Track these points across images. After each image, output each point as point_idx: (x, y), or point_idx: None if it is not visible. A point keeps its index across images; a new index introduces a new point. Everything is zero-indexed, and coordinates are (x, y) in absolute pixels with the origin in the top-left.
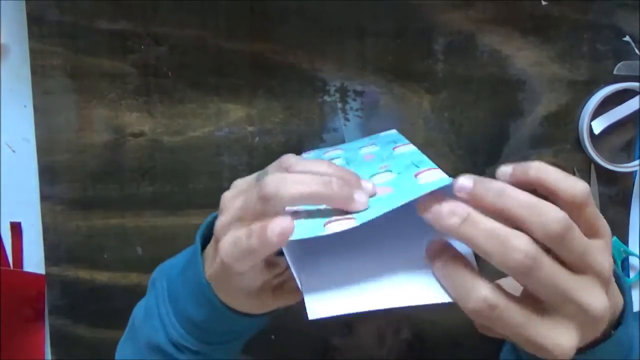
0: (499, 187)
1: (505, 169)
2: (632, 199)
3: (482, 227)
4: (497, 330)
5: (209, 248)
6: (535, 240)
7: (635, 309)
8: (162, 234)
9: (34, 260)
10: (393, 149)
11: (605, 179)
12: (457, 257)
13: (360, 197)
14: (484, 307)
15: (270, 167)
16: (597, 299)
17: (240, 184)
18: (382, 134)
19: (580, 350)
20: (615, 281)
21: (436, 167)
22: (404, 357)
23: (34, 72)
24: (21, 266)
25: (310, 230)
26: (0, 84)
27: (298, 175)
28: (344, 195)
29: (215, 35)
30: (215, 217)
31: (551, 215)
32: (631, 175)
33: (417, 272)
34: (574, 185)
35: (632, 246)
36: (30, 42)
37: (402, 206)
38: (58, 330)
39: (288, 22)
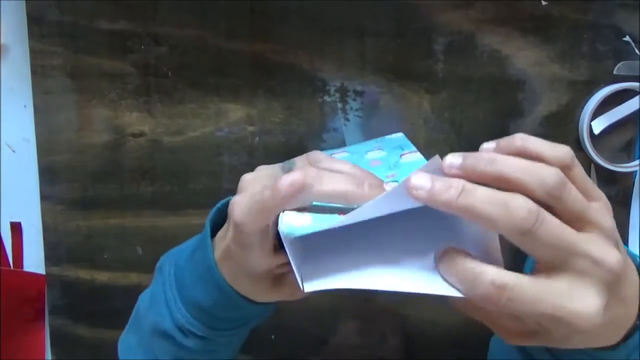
0: (489, 156)
1: (488, 145)
2: (632, 199)
3: (480, 195)
4: (516, 313)
5: (221, 232)
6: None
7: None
8: (162, 234)
9: (34, 260)
10: (400, 156)
11: (605, 179)
12: (458, 252)
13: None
14: (492, 291)
15: (298, 160)
16: (608, 251)
17: (263, 168)
18: (389, 137)
19: (615, 346)
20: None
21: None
22: (404, 356)
23: (34, 72)
24: (21, 266)
25: (325, 222)
26: (0, 83)
27: (333, 173)
28: (374, 196)
29: (215, 35)
30: (226, 203)
31: (546, 172)
32: (631, 175)
33: (419, 263)
34: (559, 149)
35: (632, 246)
36: (30, 42)
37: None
38: (58, 330)
39: (288, 22)
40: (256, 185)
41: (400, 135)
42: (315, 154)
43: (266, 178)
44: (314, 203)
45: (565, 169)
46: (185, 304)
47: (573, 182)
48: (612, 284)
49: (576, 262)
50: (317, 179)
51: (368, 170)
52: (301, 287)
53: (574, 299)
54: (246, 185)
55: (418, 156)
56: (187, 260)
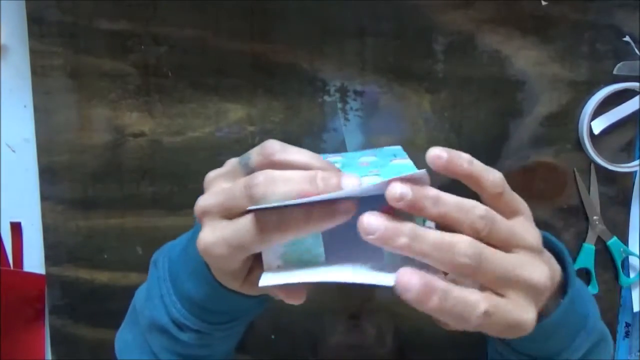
0: (434, 195)
1: (440, 154)
2: (632, 199)
3: (429, 241)
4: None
5: None
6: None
7: (636, 309)
8: (162, 234)
9: (34, 260)
10: (390, 161)
11: (605, 179)
12: (448, 287)
13: (347, 186)
14: (485, 319)
15: (253, 153)
16: (536, 270)
17: (228, 163)
18: (386, 147)
19: (538, 321)
20: (551, 249)
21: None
22: (403, 356)
23: (34, 72)
24: (21, 266)
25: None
26: (0, 84)
27: (285, 173)
28: (330, 189)
29: (215, 35)
30: None
31: (477, 212)
32: (631, 175)
33: (375, 261)
34: (494, 176)
35: (632, 246)
36: (30, 42)
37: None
38: (58, 330)
39: (288, 22)
40: (216, 185)
41: (398, 147)
42: (270, 145)
43: (225, 178)
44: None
45: (499, 194)
46: (179, 298)
47: (503, 202)
48: (541, 294)
49: (515, 286)
50: (270, 185)
51: (327, 161)
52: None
53: (520, 313)
54: (209, 184)
55: (408, 162)
56: (180, 255)
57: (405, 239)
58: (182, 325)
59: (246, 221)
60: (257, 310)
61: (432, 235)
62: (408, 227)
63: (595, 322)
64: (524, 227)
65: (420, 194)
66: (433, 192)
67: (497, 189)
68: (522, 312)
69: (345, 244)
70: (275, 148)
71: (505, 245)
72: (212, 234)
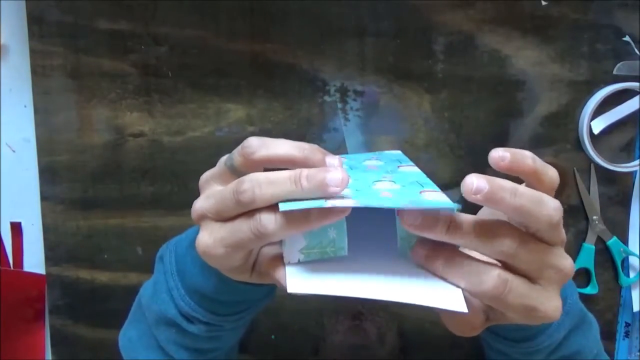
0: (512, 187)
1: (503, 154)
2: (632, 199)
3: (527, 196)
4: (505, 305)
5: None
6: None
7: (636, 309)
8: (162, 234)
9: (34, 260)
10: (397, 167)
11: (605, 179)
12: (456, 250)
13: (332, 180)
14: (499, 283)
15: (235, 154)
16: (566, 260)
17: (219, 163)
18: (386, 152)
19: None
20: None
21: (439, 190)
22: (404, 357)
23: (34, 72)
24: (21, 266)
25: (312, 204)
26: (0, 84)
27: (270, 176)
28: (315, 187)
29: (215, 35)
30: None
31: (551, 205)
32: (631, 175)
33: (406, 272)
34: (552, 172)
35: (632, 246)
36: (30, 42)
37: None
38: (58, 330)
39: (288, 22)
40: (209, 187)
41: (398, 152)
42: (249, 144)
43: (216, 179)
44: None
45: (553, 189)
46: (188, 292)
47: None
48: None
49: (547, 273)
50: (256, 189)
51: (310, 144)
52: (285, 264)
53: (548, 297)
54: (203, 185)
55: (416, 169)
56: (188, 249)
57: (507, 193)
58: (192, 317)
59: (240, 222)
60: (267, 298)
61: (528, 191)
62: (508, 184)
63: (573, 304)
64: (560, 220)
65: (498, 185)
66: (509, 184)
67: (555, 184)
68: (552, 299)
69: (359, 232)
70: (253, 146)
71: (550, 238)
72: (209, 237)
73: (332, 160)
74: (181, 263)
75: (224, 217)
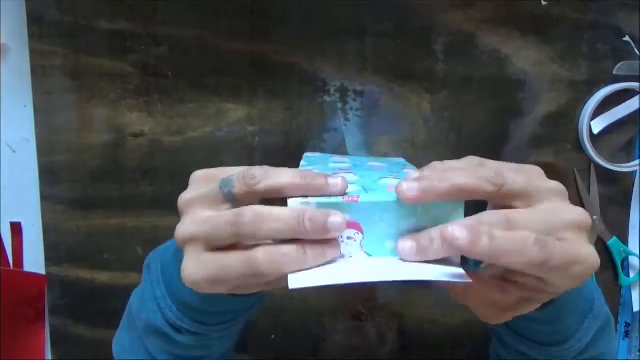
0: (439, 173)
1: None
2: (632, 199)
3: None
4: (548, 269)
5: None
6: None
7: (636, 309)
8: (162, 234)
9: (34, 260)
10: (402, 169)
11: (605, 179)
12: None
13: (334, 224)
14: (539, 248)
15: (236, 181)
16: (580, 211)
17: (197, 185)
18: (390, 158)
19: (548, 304)
20: None
21: None
22: (404, 356)
23: (34, 72)
24: (21, 266)
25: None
26: (0, 84)
27: (273, 211)
28: (317, 229)
29: (215, 35)
30: None
31: (480, 170)
32: (631, 175)
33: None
34: (487, 176)
35: (632, 246)
36: (30, 42)
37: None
38: (58, 330)
39: (288, 22)
40: (194, 210)
41: (401, 159)
42: (252, 174)
43: (204, 203)
44: None
45: (499, 188)
46: (174, 301)
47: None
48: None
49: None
50: (258, 223)
51: (311, 171)
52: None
53: (585, 246)
54: (185, 207)
55: None
56: (173, 258)
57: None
58: (179, 327)
59: (234, 259)
60: (254, 308)
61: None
62: (485, 228)
63: (601, 306)
64: (541, 177)
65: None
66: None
67: (496, 183)
68: (587, 246)
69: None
70: (258, 176)
71: (526, 195)
72: (196, 269)
73: (335, 180)
74: (167, 272)
75: (214, 246)
